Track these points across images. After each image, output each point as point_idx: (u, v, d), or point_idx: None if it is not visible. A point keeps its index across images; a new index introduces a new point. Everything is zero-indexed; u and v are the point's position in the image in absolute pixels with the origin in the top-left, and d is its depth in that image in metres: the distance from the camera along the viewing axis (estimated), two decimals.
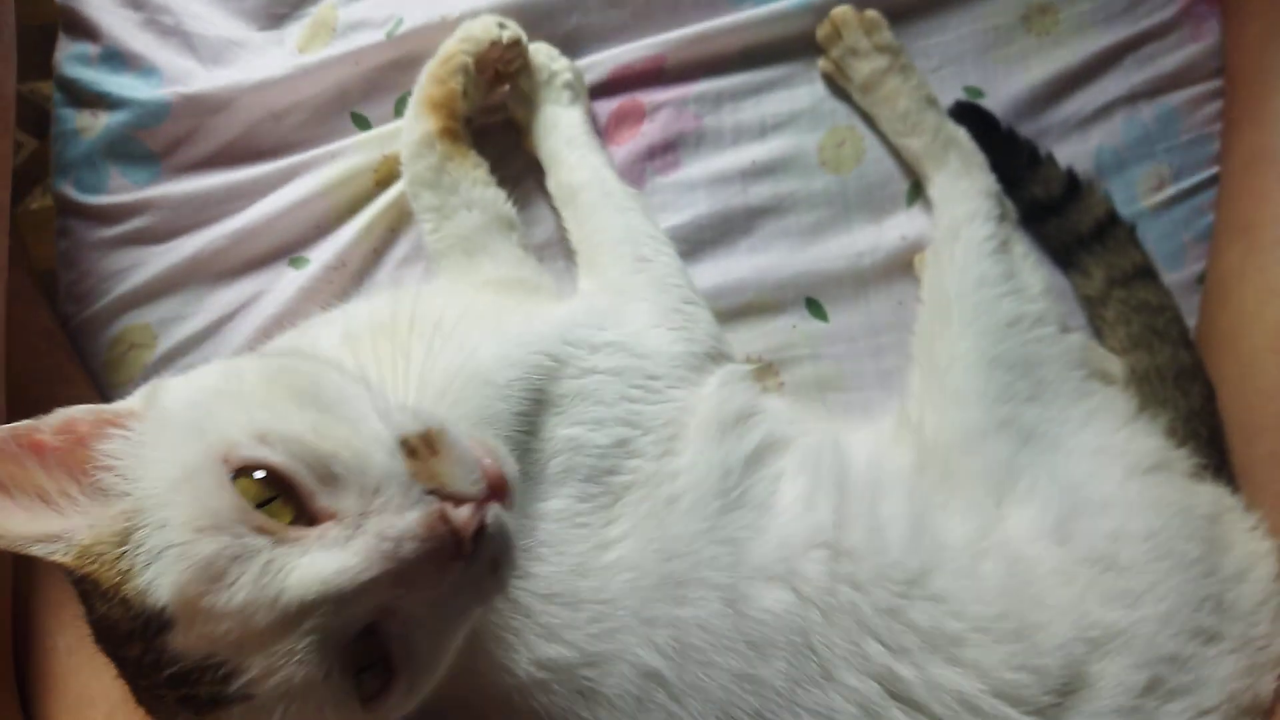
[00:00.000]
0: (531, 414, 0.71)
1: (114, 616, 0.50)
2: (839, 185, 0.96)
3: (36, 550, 0.51)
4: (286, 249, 0.90)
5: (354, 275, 0.90)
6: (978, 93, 0.99)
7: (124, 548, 0.50)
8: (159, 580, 0.48)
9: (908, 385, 0.86)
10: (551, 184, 0.90)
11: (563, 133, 0.90)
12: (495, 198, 0.88)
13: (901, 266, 0.95)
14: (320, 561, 0.48)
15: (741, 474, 0.73)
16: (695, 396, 0.76)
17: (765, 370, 0.91)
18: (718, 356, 0.80)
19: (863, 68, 0.96)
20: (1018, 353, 0.82)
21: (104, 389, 0.86)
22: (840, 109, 0.98)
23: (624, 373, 0.75)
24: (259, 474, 0.49)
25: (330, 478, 0.49)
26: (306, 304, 0.87)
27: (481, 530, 0.50)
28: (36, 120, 1.03)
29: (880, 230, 0.95)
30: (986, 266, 0.87)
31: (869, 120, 0.98)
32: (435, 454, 0.51)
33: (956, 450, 0.79)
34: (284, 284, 0.89)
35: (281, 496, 0.49)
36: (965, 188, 0.92)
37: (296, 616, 0.47)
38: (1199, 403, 0.86)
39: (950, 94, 0.98)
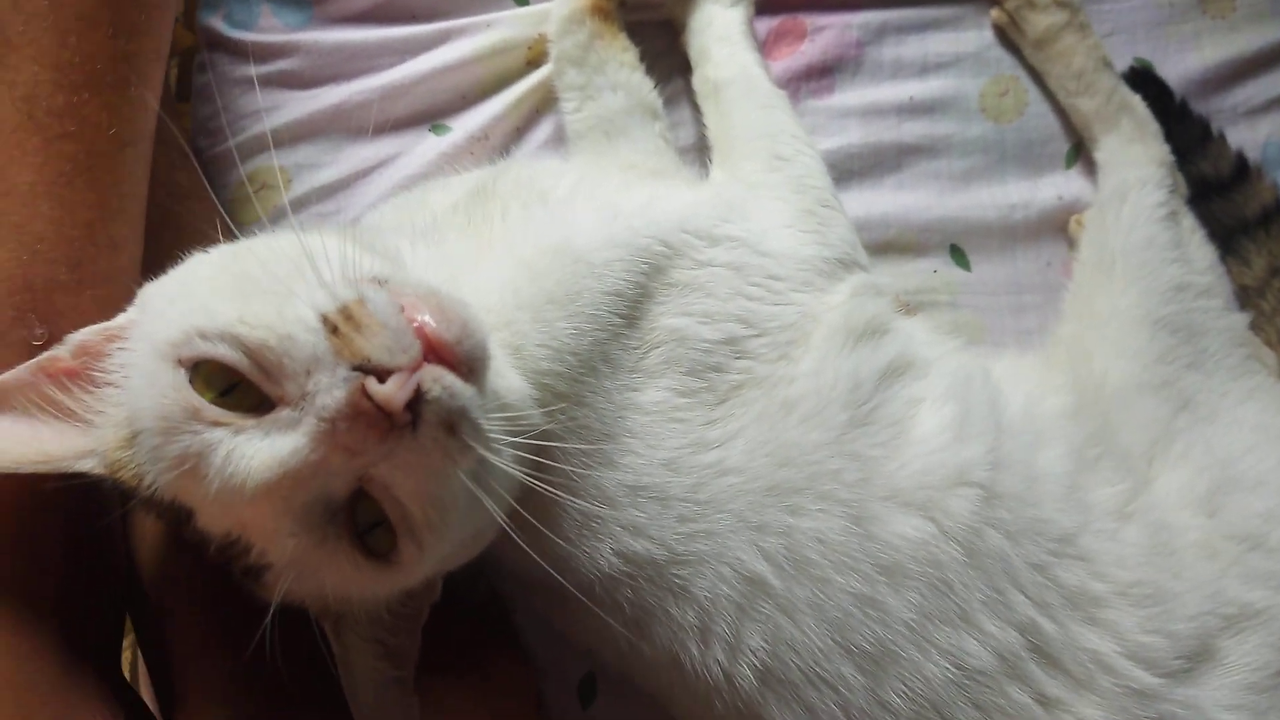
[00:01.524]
0: (631, 298, 0.67)
1: (155, 512, 0.55)
2: (997, 134, 0.92)
3: (79, 466, 0.55)
4: (430, 114, 0.88)
5: (495, 150, 0.87)
6: (1147, 65, 0.95)
7: (131, 452, 0.53)
8: (158, 480, 0.52)
9: (1058, 337, 0.82)
10: (696, 80, 0.87)
11: (716, 30, 0.86)
12: (641, 83, 0.85)
13: (1054, 227, 0.91)
14: (275, 445, 0.49)
15: (874, 388, 0.70)
16: (821, 303, 0.72)
17: (902, 306, 0.87)
18: (851, 264, 0.76)
19: (1039, 21, 0.92)
20: (1182, 318, 0.78)
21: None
22: (1006, 58, 0.94)
23: (743, 269, 0.71)
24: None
25: (268, 365, 0.50)
26: (445, 171, 0.85)
27: (418, 398, 0.49)
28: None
29: (1035, 186, 0.92)
30: (1155, 231, 0.83)
31: (1035, 75, 0.94)
32: (358, 327, 0.50)
33: (1111, 403, 0.75)
34: (424, 148, 0.87)
35: (242, 383, 0.51)
36: (1137, 154, 0.88)
37: (270, 495, 0.50)
38: None
39: (1120, 63, 0.94)
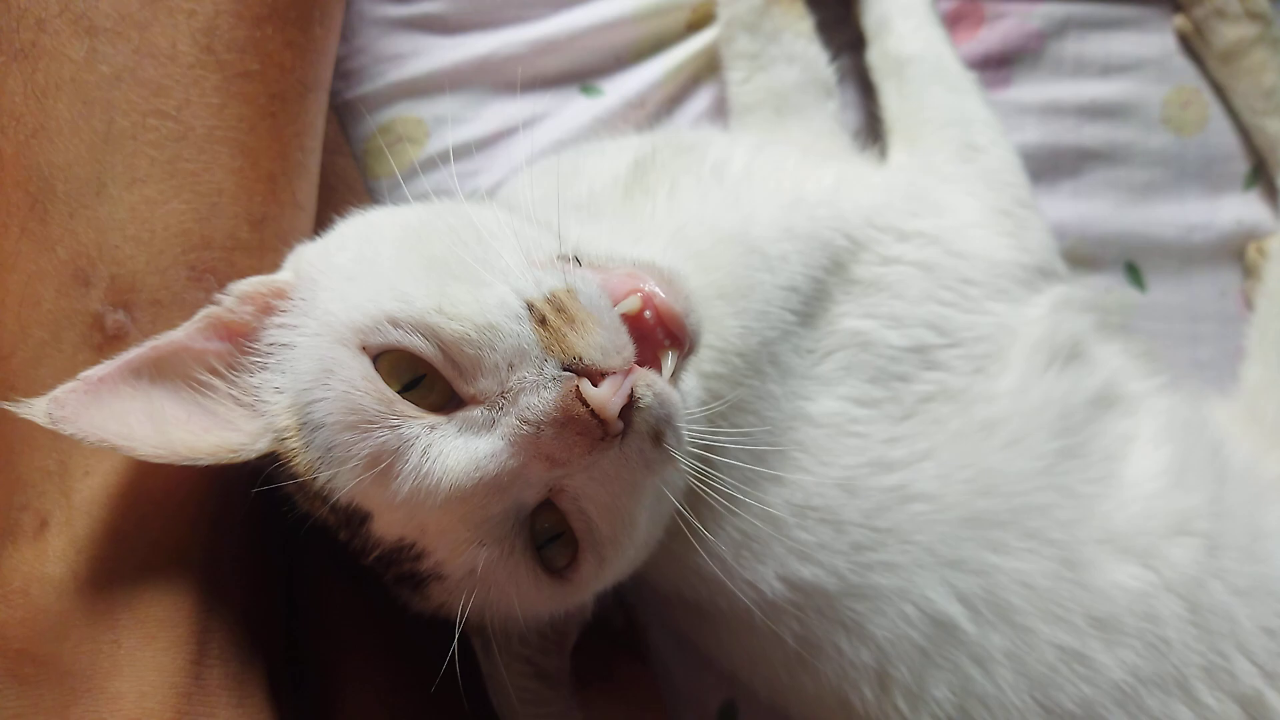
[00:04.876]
0: (808, 294, 0.61)
1: (320, 514, 0.50)
2: (1178, 148, 0.86)
3: (260, 447, 0.49)
4: (580, 73, 0.81)
5: (650, 118, 0.80)
6: None
7: (301, 442, 0.47)
8: (336, 480, 0.46)
9: (1244, 380, 0.77)
10: (874, 54, 0.80)
11: (900, 0, 0.79)
12: (818, 57, 0.79)
13: (1231, 253, 0.85)
14: (471, 447, 0.44)
15: (1085, 418, 0.64)
16: (1018, 316, 0.66)
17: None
18: (1049, 274, 0.70)
19: (1228, 33, 0.86)
20: None
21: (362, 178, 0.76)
22: (1189, 68, 0.88)
23: (934, 269, 0.65)
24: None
25: (464, 360, 0.45)
26: (595, 136, 0.78)
27: (630, 404, 0.43)
28: None
29: (1214, 207, 0.86)
30: None
31: (1218, 89, 0.88)
32: (570, 321, 0.44)
33: None
34: (573, 110, 0.80)
35: (425, 378, 0.46)
36: None
37: (462, 502, 0.45)
38: None
39: None
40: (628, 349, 0.45)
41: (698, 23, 0.82)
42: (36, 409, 0.46)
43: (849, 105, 0.83)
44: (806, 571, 0.59)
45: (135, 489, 0.51)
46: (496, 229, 0.49)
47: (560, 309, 0.45)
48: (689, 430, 0.48)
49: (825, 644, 0.60)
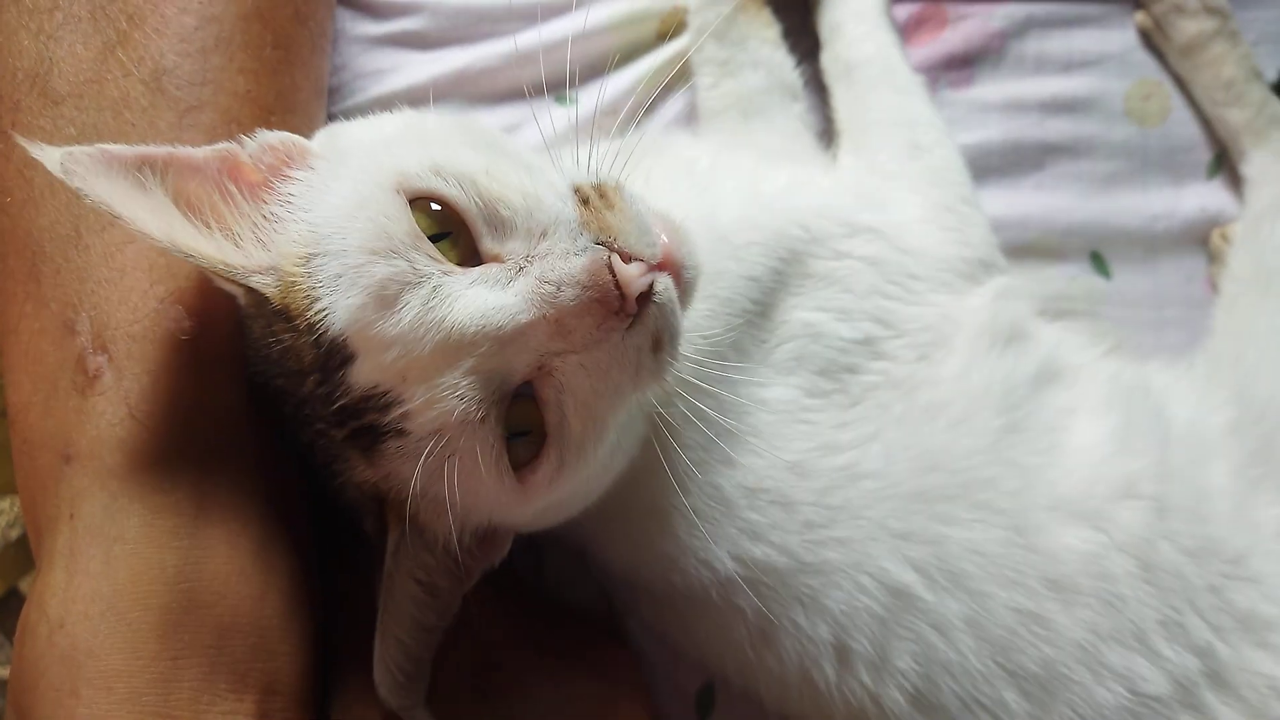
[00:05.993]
0: (767, 285, 0.64)
1: (299, 347, 0.49)
2: (1141, 139, 0.88)
3: (254, 281, 0.49)
4: (555, 83, 0.83)
5: (623, 125, 0.82)
6: None
7: (306, 272, 0.48)
8: (336, 305, 0.47)
9: (1213, 350, 0.79)
10: (827, 58, 0.83)
11: (853, 6, 0.82)
12: (784, 62, 0.82)
13: (1196, 240, 0.87)
14: (482, 297, 0.46)
15: (1027, 394, 0.66)
16: (961, 307, 0.69)
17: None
18: (990, 267, 0.73)
19: (1188, 27, 0.88)
20: None
21: None
22: (1150, 62, 0.90)
23: (881, 264, 0.68)
24: (433, 206, 0.48)
25: (499, 221, 0.48)
26: (571, 144, 0.80)
27: (648, 295, 0.47)
28: None
29: (1178, 196, 0.88)
30: None
31: (1178, 81, 0.90)
32: (611, 206, 0.49)
33: (1273, 424, 0.71)
34: (548, 119, 0.82)
35: (449, 235, 0.48)
36: None
37: (456, 349, 0.46)
38: None
39: (1265, 73, 0.89)
40: (658, 246, 0.49)
41: (668, 31, 0.85)
42: (49, 155, 0.46)
43: (811, 109, 0.85)
44: (758, 551, 0.61)
45: (103, 531, 0.52)
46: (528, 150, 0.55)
47: (604, 195, 0.49)
48: (681, 357, 0.52)
49: (783, 620, 0.62)
